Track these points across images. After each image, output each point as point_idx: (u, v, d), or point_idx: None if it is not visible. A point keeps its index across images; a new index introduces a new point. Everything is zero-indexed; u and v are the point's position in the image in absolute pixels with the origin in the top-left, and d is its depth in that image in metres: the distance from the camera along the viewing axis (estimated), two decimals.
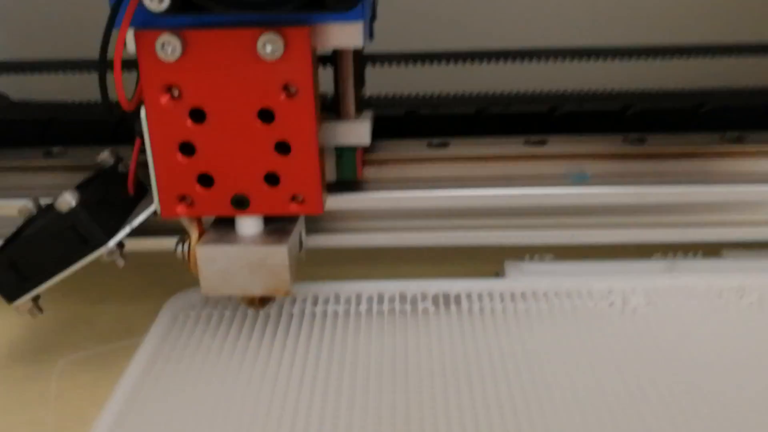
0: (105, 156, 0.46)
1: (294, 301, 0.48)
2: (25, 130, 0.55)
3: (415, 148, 0.50)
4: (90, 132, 0.53)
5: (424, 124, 0.55)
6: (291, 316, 0.46)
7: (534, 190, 0.48)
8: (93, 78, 0.51)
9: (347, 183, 0.47)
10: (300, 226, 0.43)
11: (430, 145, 0.51)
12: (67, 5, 0.68)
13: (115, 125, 0.54)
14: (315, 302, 0.48)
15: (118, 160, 0.46)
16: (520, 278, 0.50)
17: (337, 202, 0.47)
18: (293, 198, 0.39)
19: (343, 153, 0.45)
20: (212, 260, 0.40)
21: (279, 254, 0.40)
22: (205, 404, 0.39)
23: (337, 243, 0.50)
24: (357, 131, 0.44)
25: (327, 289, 0.48)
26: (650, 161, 0.50)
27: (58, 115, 0.55)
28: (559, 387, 0.39)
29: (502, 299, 0.47)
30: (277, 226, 0.41)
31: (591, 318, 0.46)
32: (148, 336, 0.44)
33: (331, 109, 0.45)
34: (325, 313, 0.47)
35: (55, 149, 0.52)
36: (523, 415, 0.37)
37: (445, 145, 0.51)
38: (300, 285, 0.48)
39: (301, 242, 0.44)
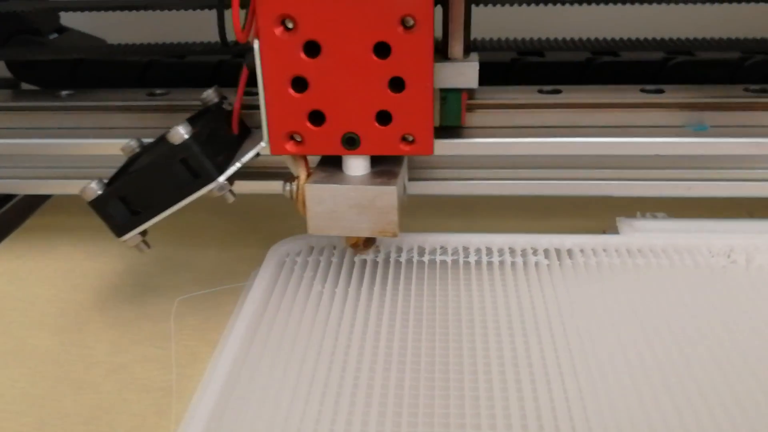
0: (209, 94, 0.45)
1: (401, 250, 0.46)
2: (125, 72, 0.55)
3: (525, 94, 0.48)
4: (190, 74, 0.53)
5: (530, 71, 0.53)
6: (399, 264, 0.45)
7: (651, 139, 0.46)
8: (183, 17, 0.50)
9: (450, 129, 0.46)
10: (405, 169, 0.42)
11: (541, 92, 0.48)
12: None
13: (215, 67, 0.54)
14: (422, 252, 0.46)
15: (223, 98, 0.46)
16: (635, 234, 0.48)
17: (442, 147, 0.45)
18: (403, 138, 0.38)
19: (449, 96, 0.44)
20: (320, 200, 0.39)
21: (388, 195, 0.39)
22: (313, 353, 0.38)
23: (439, 191, 0.49)
24: (465, 73, 0.43)
25: (433, 239, 0.47)
26: None
27: (157, 57, 0.54)
28: (691, 341, 0.38)
29: (619, 254, 0.45)
30: (383, 168, 0.40)
31: (714, 274, 0.44)
32: (257, 280, 0.44)
33: (437, 50, 0.44)
34: (434, 263, 0.45)
35: (158, 90, 0.51)
36: (655, 371, 0.36)
37: (557, 92, 0.48)
38: (406, 234, 0.47)
39: (405, 186, 0.43)
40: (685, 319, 0.39)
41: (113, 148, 0.46)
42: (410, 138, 0.38)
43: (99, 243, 0.53)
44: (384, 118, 0.37)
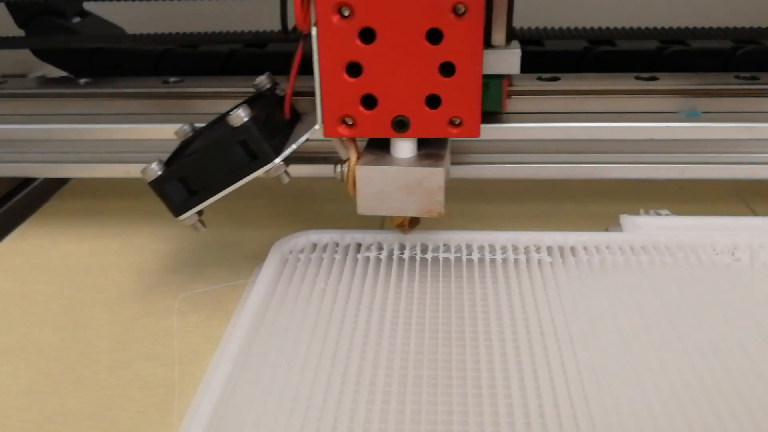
0: (263, 80, 0.47)
1: (404, 247, 0.46)
2: (140, 60, 0.56)
3: (525, 81, 0.49)
4: (202, 63, 0.55)
5: (530, 59, 0.53)
6: (403, 261, 0.45)
7: (645, 124, 0.48)
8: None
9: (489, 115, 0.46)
10: (449, 152, 0.43)
11: (540, 79, 0.50)
12: None
13: (226, 57, 0.55)
14: (425, 250, 0.46)
15: (275, 84, 0.47)
16: (638, 232, 0.47)
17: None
18: (451, 121, 0.39)
19: (490, 82, 0.45)
20: (370, 181, 0.40)
21: (436, 176, 0.40)
22: (316, 350, 0.38)
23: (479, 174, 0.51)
24: (507, 60, 0.44)
25: (436, 237, 0.47)
26: (764, 98, 0.49)
27: (172, 46, 0.56)
28: (694, 338, 0.38)
29: (622, 252, 0.45)
30: (429, 151, 0.42)
31: (718, 272, 0.44)
32: (260, 277, 0.44)
33: None
34: (437, 260, 0.45)
35: (172, 78, 0.53)
36: (659, 369, 0.36)
37: (555, 79, 0.49)
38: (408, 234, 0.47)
39: (448, 168, 0.44)
40: (689, 317, 0.39)
41: (130, 133, 0.50)
42: (458, 121, 0.39)
43: (101, 240, 0.53)
44: (433, 101, 0.39)
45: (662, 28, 0.55)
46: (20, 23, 0.55)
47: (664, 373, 0.35)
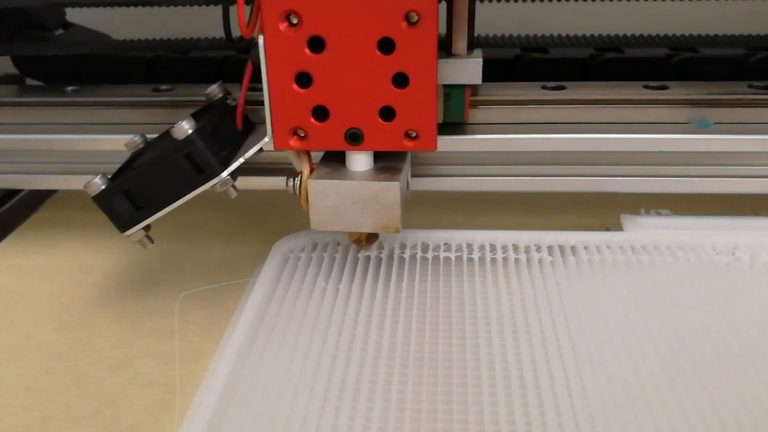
0: (214, 89, 0.45)
1: (404, 246, 0.47)
2: (130, 67, 0.55)
3: (529, 90, 0.48)
4: (195, 70, 0.54)
5: (534, 67, 0.53)
6: (403, 260, 0.45)
7: (654, 136, 0.46)
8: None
9: (453, 125, 0.46)
10: (408, 165, 0.42)
11: (545, 88, 0.48)
12: None
13: (220, 63, 0.54)
14: (425, 249, 0.46)
15: (227, 93, 0.46)
16: (639, 231, 0.47)
17: (445, 144, 0.46)
18: (407, 134, 0.38)
19: (452, 92, 0.44)
20: (324, 195, 0.39)
21: (391, 190, 0.39)
22: (317, 349, 0.38)
23: (442, 187, 0.49)
24: (468, 69, 0.43)
25: (437, 236, 0.47)
26: None
27: (163, 52, 0.55)
28: (694, 338, 0.38)
29: (623, 251, 0.45)
30: (386, 164, 0.40)
31: (718, 272, 0.44)
32: (261, 276, 0.44)
33: (440, 46, 0.44)
34: (437, 259, 0.45)
35: (163, 86, 0.51)
36: (659, 368, 0.36)
37: (561, 88, 0.48)
38: (409, 231, 0.47)
39: (407, 182, 0.43)
40: (689, 317, 0.39)
41: (118, 144, 0.47)
42: (414, 134, 0.38)
43: (102, 239, 0.53)
44: (388, 113, 0.37)
45: (671, 35, 0.53)
46: (1, 41, 0.54)
47: (664, 372, 0.35)
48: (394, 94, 0.37)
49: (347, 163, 0.40)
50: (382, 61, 0.36)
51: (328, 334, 0.39)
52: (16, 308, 0.46)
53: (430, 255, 0.46)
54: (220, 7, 0.42)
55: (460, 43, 0.43)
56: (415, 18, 0.35)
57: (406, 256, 0.46)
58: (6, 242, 0.54)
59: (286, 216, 0.55)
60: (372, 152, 0.40)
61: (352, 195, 0.39)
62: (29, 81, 0.58)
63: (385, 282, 0.43)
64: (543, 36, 0.54)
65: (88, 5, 0.52)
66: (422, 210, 0.54)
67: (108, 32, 0.59)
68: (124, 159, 0.44)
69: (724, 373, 0.35)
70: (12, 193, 0.60)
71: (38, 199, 0.60)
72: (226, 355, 0.37)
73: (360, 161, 0.40)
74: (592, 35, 0.54)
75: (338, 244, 0.47)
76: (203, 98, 0.46)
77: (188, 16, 0.59)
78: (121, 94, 0.51)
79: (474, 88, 0.46)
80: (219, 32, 0.50)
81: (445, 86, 0.44)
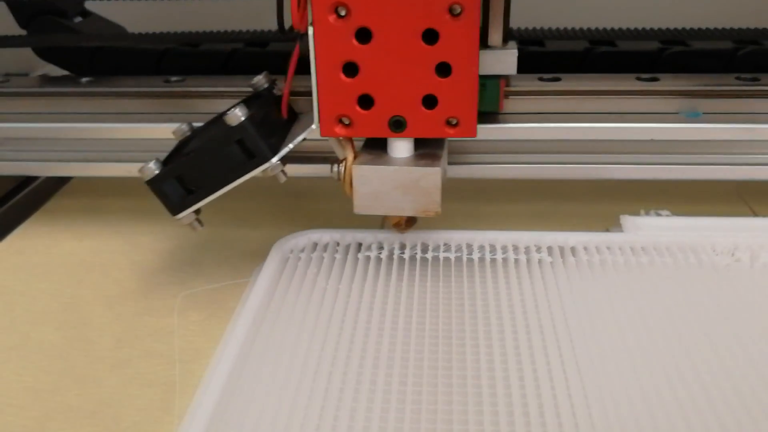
0: (260, 79, 0.47)
1: (404, 247, 0.47)
2: (143, 59, 0.56)
3: (525, 81, 0.49)
4: (203, 62, 0.55)
5: (529, 60, 0.53)
6: (403, 260, 0.45)
7: (646, 125, 0.48)
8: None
9: (487, 115, 0.47)
10: (446, 152, 0.43)
11: (541, 79, 0.50)
12: None
13: (227, 56, 0.55)
14: (426, 249, 0.46)
15: (273, 83, 0.47)
16: (638, 232, 0.48)
17: (481, 132, 0.46)
18: (448, 121, 0.39)
19: (487, 83, 0.45)
20: (367, 180, 0.41)
21: (433, 176, 0.40)
22: (316, 349, 0.38)
23: (477, 174, 0.51)
24: (504, 60, 0.44)
25: (437, 236, 0.47)
26: (765, 99, 0.49)
27: (173, 45, 0.56)
28: (694, 339, 0.38)
29: (623, 252, 0.45)
30: (426, 151, 0.42)
31: (718, 273, 0.44)
32: (261, 276, 0.44)
33: None
34: (437, 260, 0.45)
35: (173, 78, 0.53)
36: (659, 369, 0.36)
37: (556, 80, 0.50)
38: (409, 231, 0.47)
39: (445, 168, 0.44)
40: (689, 317, 0.39)
41: (131, 132, 0.50)
42: (454, 121, 0.39)
43: (103, 239, 0.53)
44: (430, 102, 0.39)
45: (663, 29, 0.55)
46: (22, 23, 0.55)
47: (664, 372, 0.35)
48: (437, 83, 0.38)
49: (389, 149, 0.41)
50: (425, 51, 0.38)
51: (328, 334, 0.39)
52: (17, 308, 0.46)
53: (430, 255, 0.46)
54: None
55: (496, 35, 0.44)
56: (458, 10, 0.36)
57: (406, 256, 0.46)
58: (6, 242, 0.54)
59: (288, 216, 0.55)
60: (413, 139, 0.41)
61: (395, 180, 0.41)
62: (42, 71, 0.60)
63: (385, 282, 0.43)
64: (540, 29, 0.56)
65: None
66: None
67: (122, 21, 0.60)
68: (138, 147, 0.46)
69: (723, 373, 0.35)
70: (13, 191, 0.60)
71: (38, 199, 0.60)
72: (225, 354, 0.37)
73: (402, 148, 0.41)
74: (588, 29, 0.55)
75: (338, 244, 0.47)
76: (210, 90, 0.48)
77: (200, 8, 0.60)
78: (133, 84, 0.52)
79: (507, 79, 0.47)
80: (228, 25, 0.51)
81: (481, 77, 0.44)
